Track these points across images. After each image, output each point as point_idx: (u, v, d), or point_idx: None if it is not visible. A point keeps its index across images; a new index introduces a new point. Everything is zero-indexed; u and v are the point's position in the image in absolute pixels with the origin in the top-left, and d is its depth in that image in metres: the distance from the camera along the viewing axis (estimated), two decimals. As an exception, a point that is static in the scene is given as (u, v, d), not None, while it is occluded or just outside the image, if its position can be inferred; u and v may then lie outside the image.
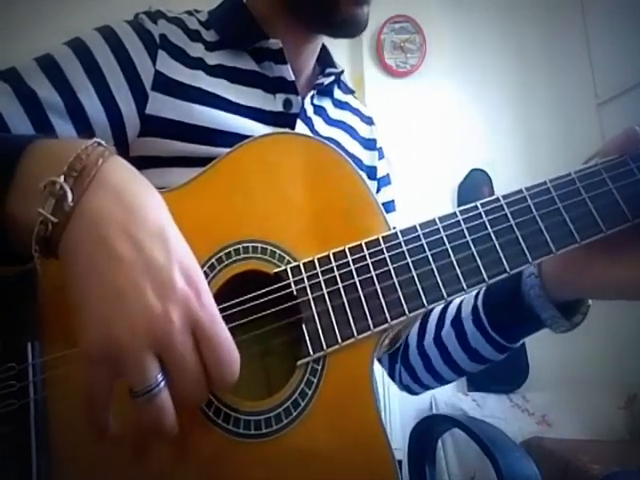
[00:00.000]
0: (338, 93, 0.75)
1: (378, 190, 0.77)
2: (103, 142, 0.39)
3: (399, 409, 2.02)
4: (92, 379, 0.34)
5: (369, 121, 0.78)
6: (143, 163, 0.56)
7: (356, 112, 0.77)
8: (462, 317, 0.63)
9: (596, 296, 0.53)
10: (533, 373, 2.18)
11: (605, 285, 0.50)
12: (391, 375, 0.75)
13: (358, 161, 0.71)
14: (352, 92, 0.79)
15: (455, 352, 0.64)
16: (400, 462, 1.47)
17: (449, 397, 2.07)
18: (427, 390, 0.73)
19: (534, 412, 2.02)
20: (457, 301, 0.66)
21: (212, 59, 0.62)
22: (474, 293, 0.63)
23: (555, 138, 2.37)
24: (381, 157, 0.78)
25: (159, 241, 0.36)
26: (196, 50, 0.62)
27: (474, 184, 2.34)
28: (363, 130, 0.76)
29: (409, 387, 0.74)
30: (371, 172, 0.75)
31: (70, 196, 0.35)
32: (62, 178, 0.35)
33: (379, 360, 0.75)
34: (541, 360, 2.15)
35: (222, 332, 0.36)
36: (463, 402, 2.05)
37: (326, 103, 0.72)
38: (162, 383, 0.34)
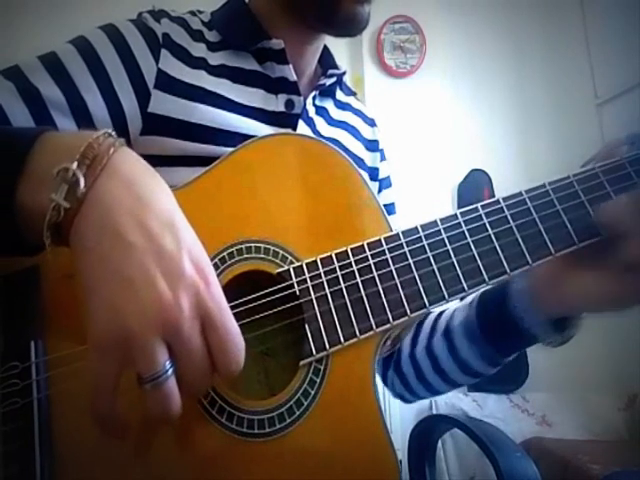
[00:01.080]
0: (340, 94, 0.75)
1: (379, 192, 0.77)
2: (113, 133, 0.39)
3: (399, 409, 2.02)
4: (100, 365, 0.34)
5: (371, 123, 0.79)
6: (146, 162, 0.57)
7: (358, 113, 0.77)
8: (454, 328, 0.63)
9: (579, 310, 0.53)
10: (533, 374, 2.17)
11: (581, 298, 0.51)
12: (384, 382, 0.75)
13: (360, 162, 0.71)
14: (354, 94, 0.80)
15: (445, 362, 0.64)
16: (400, 462, 1.47)
17: (449, 397, 2.07)
18: (419, 399, 0.73)
19: (534, 412, 2.02)
20: (449, 311, 0.67)
21: (214, 59, 0.62)
22: (467, 303, 0.64)
23: (555, 138, 2.37)
24: (383, 159, 0.78)
25: (169, 230, 0.36)
26: (199, 50, 0.62)
27: (474, 184, 2.35)
28: (365, 131, 0.76)
29: (402, 395, 0.74)
30: (373, 173, 0.75)
31: (83, 182, 0.35)
32: (75, 165, 0.36)
33: None
34: (541, 361, 2.15)
35: (230, 321, 0.36)
36: (463, 402, 2.05)
37: (328, 104, 0.72)
38: (170, 370, 0.34)
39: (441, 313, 0.68)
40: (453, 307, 0.67)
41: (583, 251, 0.49)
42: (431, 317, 0.69)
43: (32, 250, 0.39)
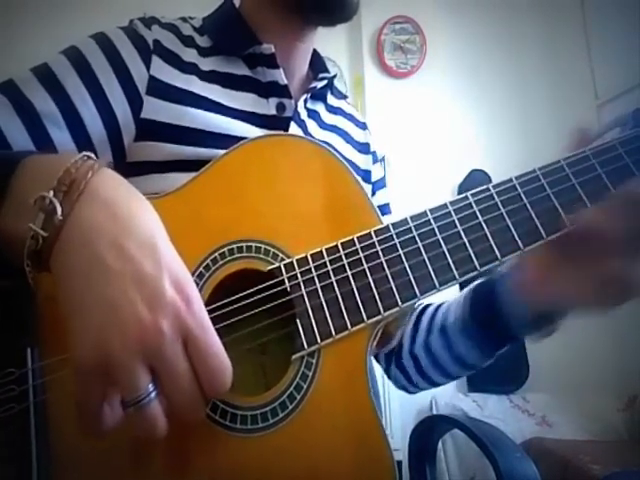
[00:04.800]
0: (331, 99, 0.76)
1: (373, 193, 0.77)
2: (92, 155, 0.40)
3: (399, 409, 2.02)
4: (84, 388, 0.35)
5: (363, 126, 0.79)
6: (140, 169, 0.57)
7: (349, 117, 0.78)
8: (448, 324, 0.64)
9: (562, 308, 0.53)
10: (533, 374, 2.17)
11: (561, 298, 0.51)
12: (388, 375, 0.76)
13: (352, 165, 0.72)
14: (345, 97, 0.80)
15: (441, 357, 0.65)
16: (400, 462, 1.47)
17: (449, 398, 2.07)
18: (421, 391, 0.74)
19: (534, 413, 2.01)
20: (446, 305, 0.67)
21: (205, 64, 0.63)
22: (461, 299, 0.64)
23: (555, 138, 2.37)
24: (375, 161, 0.79)
25: (149, 251, 0.36)
26: (190, 55, 0.63)
27: (474, 184, 2.31)
28: (357, 134, 0.76)
29: (405, 387, 0.75)
30: (366, 175, 0.75)
31: (59, 210, 0.36)
32: (51, 193, 0.36)
33: (377, 360, 0.76)
34: (541, 361, 2.15)
35: (213, 340, 0.36)
36: (463, 403, 2.05)
37: (319, 107, 0.73)
38: (153, 393, 0.34)
39: (438, 309, 0.69)
40: (449, 303, 0.67)
41: (571, 249, 0.49)
42: (428, 313, 0.70)
43: (18, 273, 0.39)
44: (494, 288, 0.58)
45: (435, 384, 0.70)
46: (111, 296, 0.34)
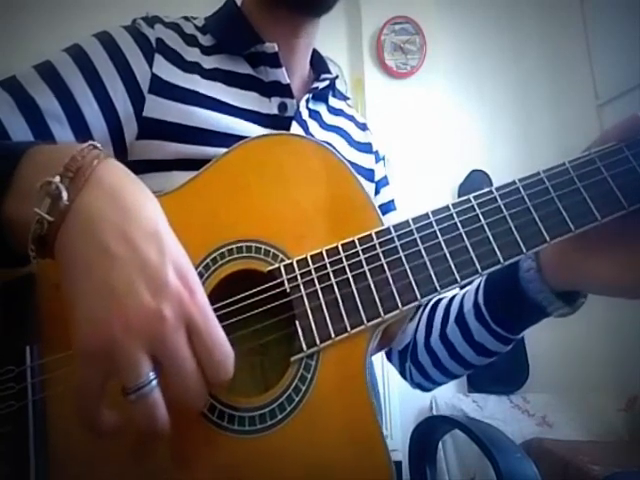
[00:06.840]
0: (333, 100, 0.76)
1: (377, 192, 0.77)
2: (98, 145, 0.40)
3: (399, 410, 2.02)
4: (84, 375, 0.34)
5: (363, 127, 0.79)
6: (142, 167, 0.57)
7: (350, 118, 0.78)
8: (465, 313, 0.64)
9: (591, 292, 0.53)
10: (533, 374, 2.17)
11: (597, 282, 0.51)
12: (402, 374, 0.76)
13: (355, 165, 0.72)
14: (346, 99, 0.81)
15: (461, 347, 0.65)
16: (400, 463, 1.47)
17: (449, 398, 2.07)
18: (438, 386, 0.74)
19: (534, 413, 2.01)
20: (460, 296, 0.67)
21: (208, 63, 0.63)
22: (475, 287, 0.64)
23: (555, 139, 2.37)
24: (378, 160, 0.79)
25: (153, 240, 0.36)
26: (192, 54, 0.63)
27: (474, 185, 2.35)
28: (358, 135, 0.77)
29: (421, 384, 0.74)
30: (370, 175, 0.75)
31: (65, 195, 0.36)
32: (58, 178, 0.36)
33: (389, 359, 0.76)
34: (541, 361, 2.15)
35: (216, 329, 0.36)
36: (463, 403, 2.05)
37: (321, 108, 0.73)
38: (154, 381, 0.34)
39: (452, 300, 0.68)
40: (463, 292, 0.67)
41: (603, 235, 0.49)
42: (442, 305, 0.69)
43: (22, 261, 0.40)
44: (516, 276, 0.57)
45: (452, 376, 0.70)
46: (114, 282, 0.34)
